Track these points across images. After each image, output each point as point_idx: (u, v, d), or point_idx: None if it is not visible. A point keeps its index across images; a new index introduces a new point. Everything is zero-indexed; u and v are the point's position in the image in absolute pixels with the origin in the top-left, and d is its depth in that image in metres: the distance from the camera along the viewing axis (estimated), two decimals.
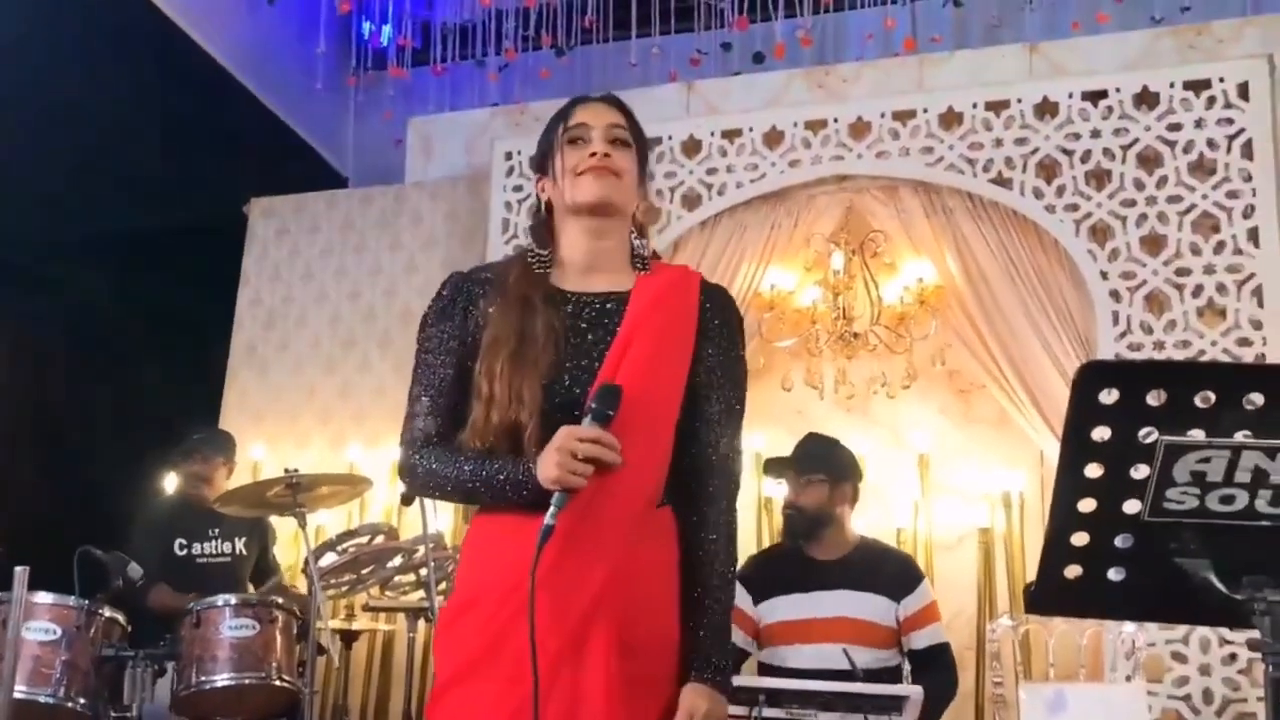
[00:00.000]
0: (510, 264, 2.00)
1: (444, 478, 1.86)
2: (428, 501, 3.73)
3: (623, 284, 1.94)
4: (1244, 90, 4.37)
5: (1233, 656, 4.03)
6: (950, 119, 4.70)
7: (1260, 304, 4.23)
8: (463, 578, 1.92)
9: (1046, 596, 1.62)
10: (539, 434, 1.80)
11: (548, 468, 1.75)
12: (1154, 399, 1.47)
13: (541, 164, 2.01)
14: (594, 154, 1.92)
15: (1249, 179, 4.30)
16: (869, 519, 4.46)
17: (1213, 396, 1.46)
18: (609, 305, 1.91)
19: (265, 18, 5.85)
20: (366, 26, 6.16)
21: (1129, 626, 3.77)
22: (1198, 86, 4.43)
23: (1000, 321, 4.51)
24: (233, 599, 3.82)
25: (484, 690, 1.77)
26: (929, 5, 5.57)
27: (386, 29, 6.28)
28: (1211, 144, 4.36)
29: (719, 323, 1.95)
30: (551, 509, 1.73)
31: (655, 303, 1.91)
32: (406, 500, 3.82)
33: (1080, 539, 1.56)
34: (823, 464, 3.72)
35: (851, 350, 4.82)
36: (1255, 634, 1.53)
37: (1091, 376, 1.48)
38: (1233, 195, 4.32)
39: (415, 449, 1.90)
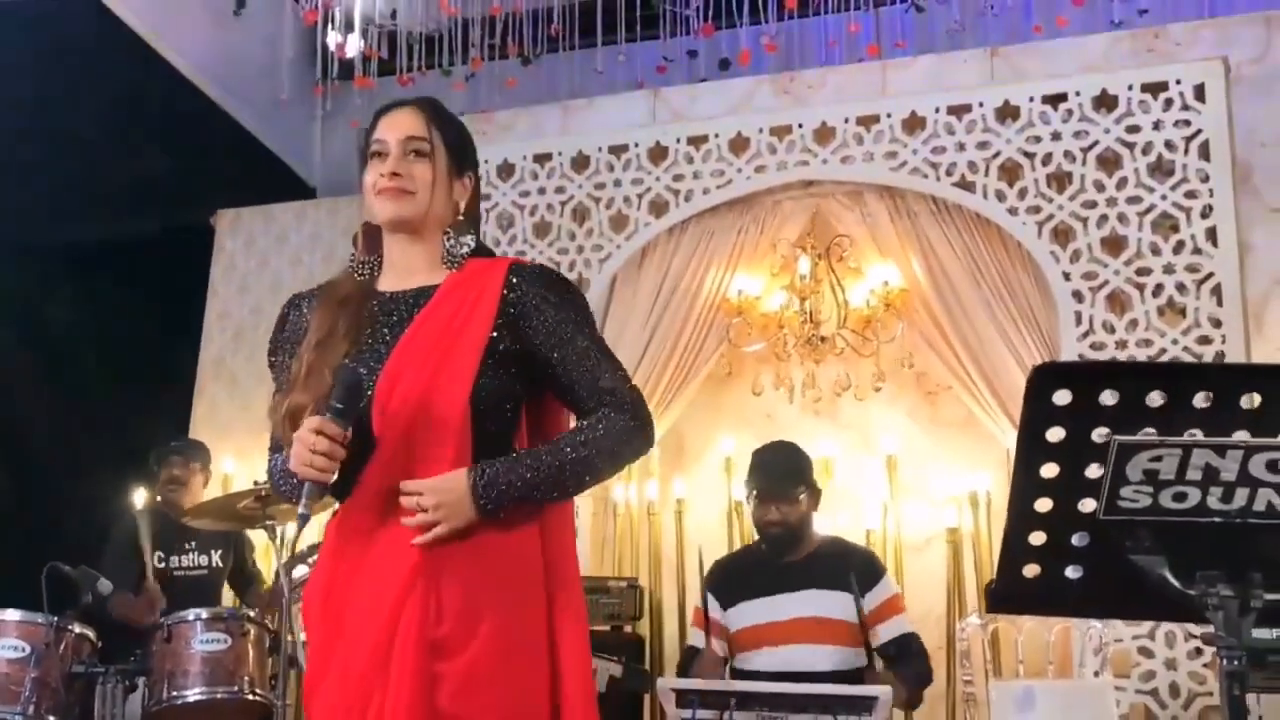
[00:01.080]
0: (341, 274, 2.06)
1: (270, 476, 2.00)
2: None
3: (436, 281, 1.98)
4: (1200, 92, 4.43)
5: (1198, 650, 4.08)
6: (913, 123, 4.75)
7: (1219, 302, 4.30)
8: None
9: (1006, 595, 1.65)
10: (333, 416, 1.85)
11: (290, 459, 1.84)
12: (1106, 399, 1.49)
13: (361, 170, 2.04)
14: (383, 174, 1.95)
15: (1206, 179, 4.37)
16: (839, 521, 4.49)
17: (1163, 396, 1.49)
18: (419, 298, 1.96)
19: (230, 28, 5.83)
20: (332, 37, 6.14)
21: (1096, 623, 3.81)
22: (1155, 89, 4.49)
23: (965, 323, 4.56)
24: (204, 613, 3.81)
25: (319, 703, 1.84)
26: (891, 11, 5.61)
27: (353, 39, 6.26)
28: (1170, 145, 4.43)
29: (533, 292, 1.93)
30: (303, 499, 1.81)
31: (449, 293, 1.94)
32: None
33: (1038, 538, 1.59)
34: (800, 477, 3.75)
35: (819, 354, 4.86)
36: (1210, 628, 1.56)
37: (1045, 378, 1.51)
38: (1191, 195, 4.38)
39: (270, 449, 2.02)
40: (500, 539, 1.85)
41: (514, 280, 1.93)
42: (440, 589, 1.80)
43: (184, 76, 5.70)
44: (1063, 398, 1.50)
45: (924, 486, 4.73)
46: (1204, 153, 4.39)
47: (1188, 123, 4.42)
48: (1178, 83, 4.46)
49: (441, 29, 6.16)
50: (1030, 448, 1.53)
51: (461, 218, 2.02)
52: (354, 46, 6.22)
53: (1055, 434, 1.51)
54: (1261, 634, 1.60)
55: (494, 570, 1.84)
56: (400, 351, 1.89)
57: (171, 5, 5.58)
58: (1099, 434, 1.50)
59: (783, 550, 3.73)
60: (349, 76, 6.18)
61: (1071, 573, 1.60)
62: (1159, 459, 1.50)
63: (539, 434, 1.97)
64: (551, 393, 1.96)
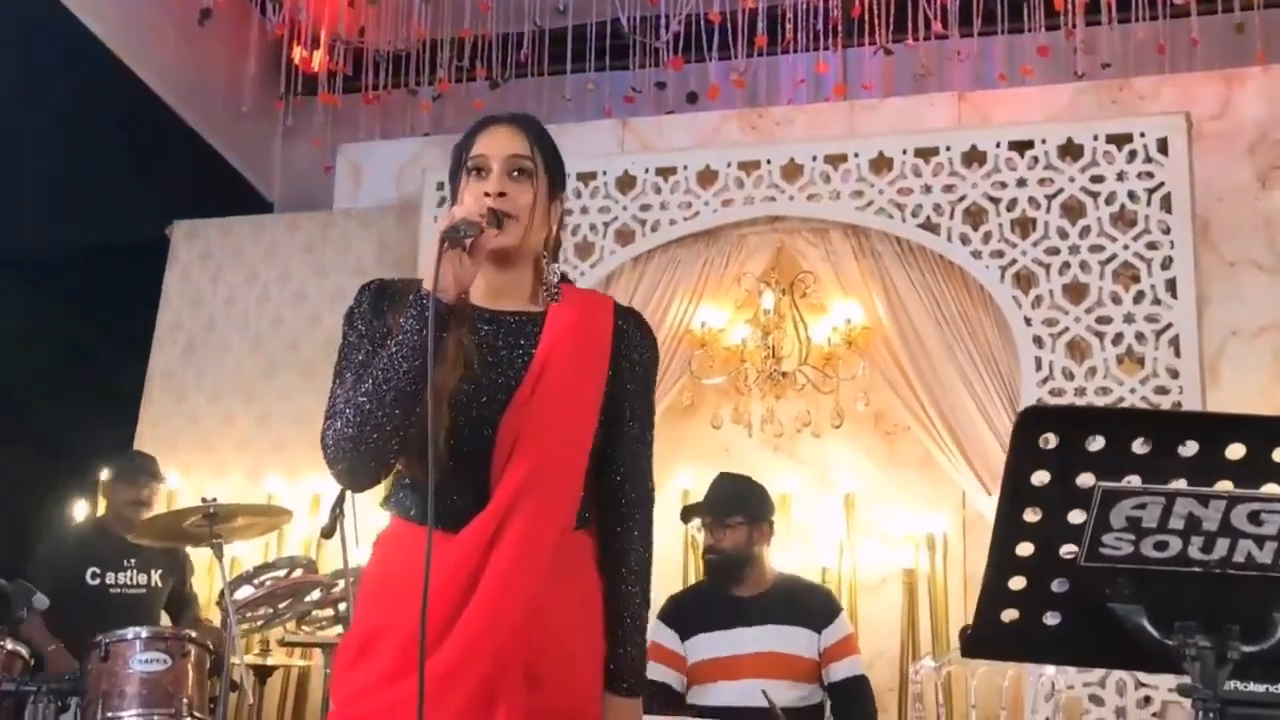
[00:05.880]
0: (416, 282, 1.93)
1: (348, 418, 1.75)
2: (349, 534, 3.65)
3: (534, 307, 1.92)
4: (1163, 145, 4.50)
5: (1147, 699, 4.10)
6: (880, 164, 4.77)
7: (1177, 353, 4.34)
8: (365, 610, 1.86)
9: (983, 640, 1.62)
10: (447, 448, 1.76)
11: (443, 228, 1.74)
12: (1092, 445, 1.48)
13: (453, 185, 1.95)
14: (488, 194, 1.85)
15: (1167, 231, 4.43)
16: (795, 558, 4.47)
17: (1149, 444, 1.47)
18: (525, 326, 1.89)
19: (194, 39, 5.76)
20: (298, 51, 6.08)
21: (1049, 669, 3.81)
22: (1120, 140, 4.55)
23: (926, 364, 4.57)
24: (143, 631, 3.71)
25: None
26: (859, 52, 5.66)
27: (318, 54, 6.21)
28: (1132, 196, 4.49)
29: (636, 348, 1.95)
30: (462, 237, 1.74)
31: (570, 328, 1.89)
32: (327, 533, 3.74)
33: (1018, 583, 1.56)
34: (740, 506, 3.74)
35: (780, 389, 4.85)
36: (1185, 679, 1.55)
37: (1032, 421, 1.48)
38: (1152, 246, 4.44)
39: (327, 419, 1.81)
40: (590, 584, 1.89)
41: (621, 324, 1.95)
42: (544, 628, 1.80)
43: (145, 85, 5.62)
44: (1049, 441, 1.48)
45: (880, 526, 4.73)
46: (1165, 205, 4.45)
47: (1151, 175, 4.48)
48: (1142, 135, 4.53)
49: (409, 49, 6.12)
50: (1014, 491, 1.51)
51: (555, 242, 1.96)
52: (319, 62, 6.17)
53: (1040, 478, 1.49)
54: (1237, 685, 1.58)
55: (585, 613, 1.87)
56: (528, 392, 1.83)
57: (135, 14, 5.51)
58: (1084, 480, 1.49)
59: (720, 579, 3.71)
60: (313, 92, 6.12)
61: (1050, 619, 1.58)
62: (1142, 507, 1.49)
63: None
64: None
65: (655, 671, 3.70)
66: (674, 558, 4.74)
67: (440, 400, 1.76)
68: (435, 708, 1.65)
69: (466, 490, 1.80)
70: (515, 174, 1.88)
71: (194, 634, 3.83)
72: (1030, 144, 4.62)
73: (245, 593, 3.95)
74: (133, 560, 4.38)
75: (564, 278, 1.99)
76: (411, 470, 1.84)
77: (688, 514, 3.98)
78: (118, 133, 5.35)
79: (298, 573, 4.04)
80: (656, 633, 3.77)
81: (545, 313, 1.91)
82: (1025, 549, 1.54)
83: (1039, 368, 4.43)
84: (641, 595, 1.91)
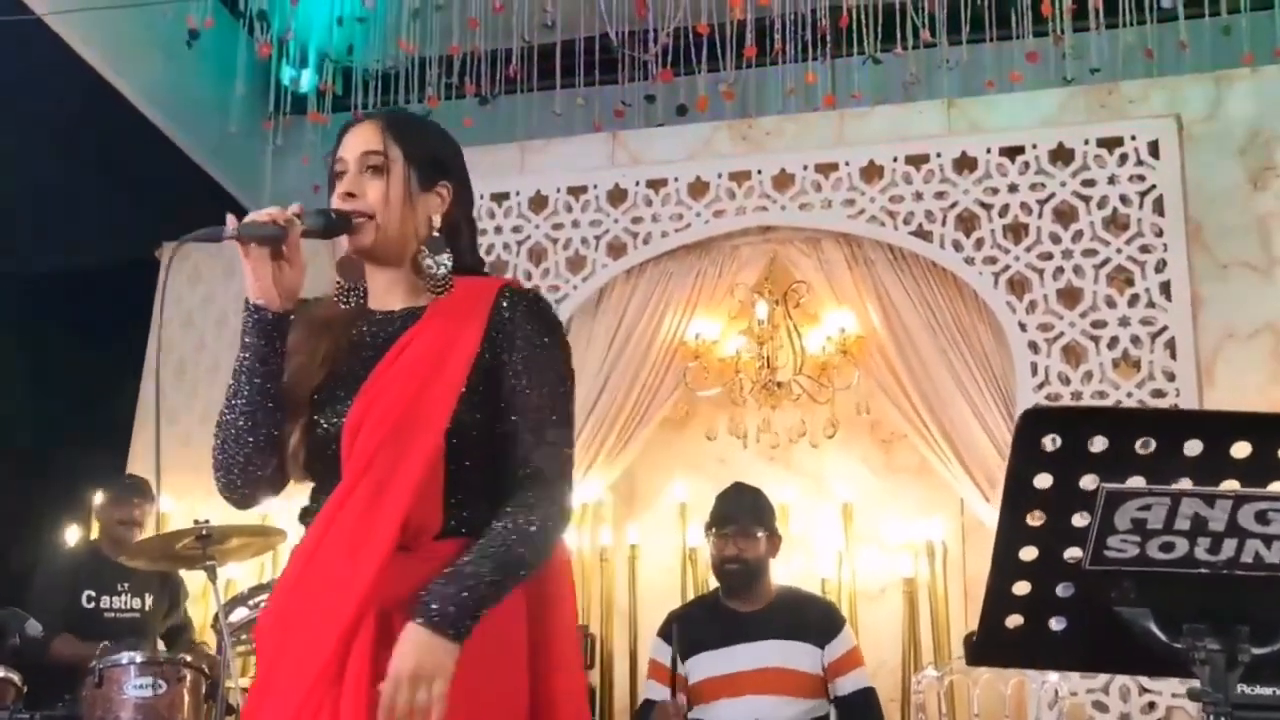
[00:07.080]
0: (327, 295, 1.94)
1: (217, 444, 1.86)
2: None
3: (421, 302, 1.87)
4: (1154, 148, 4.49)
5: (1151, 705, 4.07)
6: (871, 172, 4.76)
7: (1173, 356, 4.33)
8: None
9: (989, 647, 1.60)
10: (302, 437, 1.81)
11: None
12: (1095, 446, 1.46)
13: (329, 194, 1.93)
14: (339, 195, 1.85)
15: (1160, 234, 4.42)
16: (794, 569, 4.45)
17: (1153, 444, 1.45)
18: (407, 321, 1.84)
19: (182, 59, 5.74)
20: (286, 71, 6.06)
21: (1052, 676, 3.79)
22: (1111, 144, 4.55)
23: (921, 371, 4.55)
24: (138, 657, 3.67)
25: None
26: (848, 62, 5.66)
27: (307, 73, 6.20)
28: (1124, 200, 4.48)
29: (519, 324, 1.81)
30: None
31: (440, 313, 1.82)
32: None
33: (1022, 588, 1.54)
34: (764, 516, 3.74)
35: (775, 400, 4.83)
36: (1193, 683, 1.52)
37: (1034, 423, 1.46)
38: (1145, 249, 4.43)
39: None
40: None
41: (504, 304, 1.82)
42: (397, 626, 1.67)
43: (133, 106, 5.60)
44: (1051, 443, 1.46)
45: (879, 535, 4.70)
46: (1158, 207, 4.45)
47: (1142, 178, 4.48)
48: (1133, 138, 4.52)
49: (398, 66, 6.11)
50: (1017, 494, 1.49)
51: (437, 233, 1.86)
52: (308, 81, 6.16)
53: (1043, 480, 1.47)
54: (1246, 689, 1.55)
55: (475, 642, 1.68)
56: (377, 377, 1.77)
57: (123, 34, 5.49)
58: (1087, 481, 1.47)
59: (738, 591, 3.69)
60: (302, 111, 6.11)
61: (1055, 624, 1.55)
62: (1147, 508, 1.47)
63: (506, 466, 1.80)
64: (496, 424, 1.79)
65: (653, 690, 3.67)
66: (672, 573, 4.71)
67: (300, 402, 1.82)
68: (279, 704, 1.68)
69: (332, 486, 1.75)
70: (368, 171, 1.85)
71: (189, 658, 3.80)
72: (1021, 149, 4.62)
73: (240, 615, 3.90)
74: (126, 584, 4.35)
75: (473, 266, 1.93)
76: (302, 479, 1.86)
77: (718, 522, 3.87)
78: (105, 154, 5.33)
79: None
80: (655, 650, 3.75)
81: (425, 307, 1.85)
82: (1029, 553, 1.52)
83: (1035, 373, 4.42)
84: (486, 547, 1.68)
